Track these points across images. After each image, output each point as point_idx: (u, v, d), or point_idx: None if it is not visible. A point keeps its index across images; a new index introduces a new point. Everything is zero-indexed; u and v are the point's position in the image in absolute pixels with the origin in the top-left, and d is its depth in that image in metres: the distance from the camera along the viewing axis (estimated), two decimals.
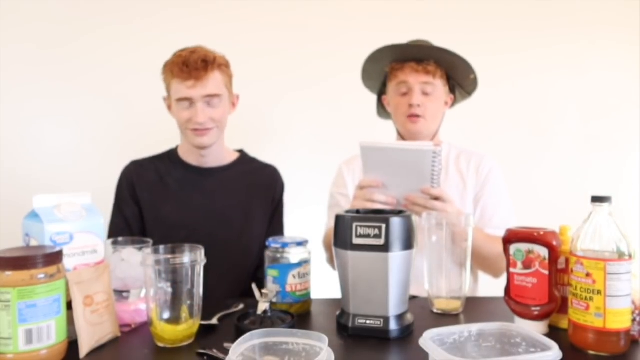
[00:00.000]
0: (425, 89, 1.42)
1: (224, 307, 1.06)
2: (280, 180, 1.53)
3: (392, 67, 1.47)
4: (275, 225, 1.49)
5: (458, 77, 1.49)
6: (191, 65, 1.27)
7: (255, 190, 1.46)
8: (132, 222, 1.39)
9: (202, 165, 1.43)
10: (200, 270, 0.91)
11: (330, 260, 1.46)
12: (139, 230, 1.40)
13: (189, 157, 1.44)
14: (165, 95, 1.41)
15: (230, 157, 1.49)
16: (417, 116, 1.42)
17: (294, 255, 1.07)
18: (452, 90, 1.52)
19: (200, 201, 1.40)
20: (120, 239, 1.06)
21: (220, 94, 1.33)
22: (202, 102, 1.30)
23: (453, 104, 1.56)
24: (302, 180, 2.01)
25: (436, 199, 1.18)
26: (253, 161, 1.53)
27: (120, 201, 1.42)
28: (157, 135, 1.54)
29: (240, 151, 1.54)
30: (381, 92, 1.59)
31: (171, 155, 1.47)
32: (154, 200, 1.40)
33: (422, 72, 1.41)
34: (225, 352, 0.77)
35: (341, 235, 0.93)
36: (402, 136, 1.52)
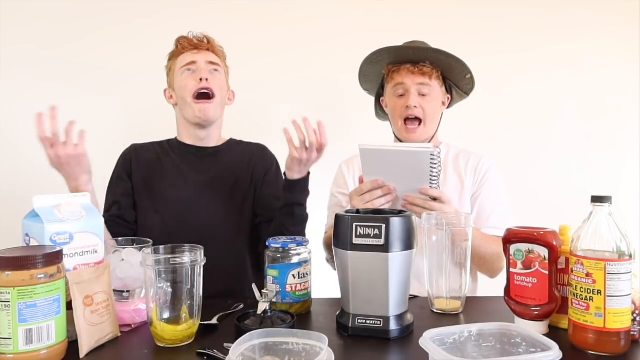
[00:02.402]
0: (422, 90, 1.44)
1: (223, 307, 1.06)
2: (270, 153, 1.57)
3: (389, 69, 1.48)
4: (272, 184, 1.48)
5: (454, 77, 1.50)
6: (197, 38, 1.46)
7: (247, 166, 1.49)
8: (121, 199, 1.41)
9: (198, 144, 1.48)
10: (200, 270, 0.91)
11: (331, 260, 1.46)
12: (127, 207, 1.41)
13: (187, 138, 1.49)
14: (166, 87, 1.47)
15: (223, 140, 1.55)
16: (415, 119, 1.43)
17: (294, 255, 1.07)
18: (448, 90, 1.53)
19: (195, 178, 1.44)
20: (120, 239, 1.06)
21: (221, 66, 1.46)
22: (206, 66, 1.41)
23: (450, 104, 1.56)
24: None
25: (435, 199, 1.19)
26: (241, 142, 1.58)
27: (113, 179, 1.46)
28: (158, 135, 1.54)
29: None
30: (379, 94, 1.59)
31: (171, 141, 1.53)
32: (150, 177, 1.44)
33: (418, 74, 1.43)
34: (225, 352, 0.78)
35: (341, 235, 0.93)
36: (399, 139, 1.52)
